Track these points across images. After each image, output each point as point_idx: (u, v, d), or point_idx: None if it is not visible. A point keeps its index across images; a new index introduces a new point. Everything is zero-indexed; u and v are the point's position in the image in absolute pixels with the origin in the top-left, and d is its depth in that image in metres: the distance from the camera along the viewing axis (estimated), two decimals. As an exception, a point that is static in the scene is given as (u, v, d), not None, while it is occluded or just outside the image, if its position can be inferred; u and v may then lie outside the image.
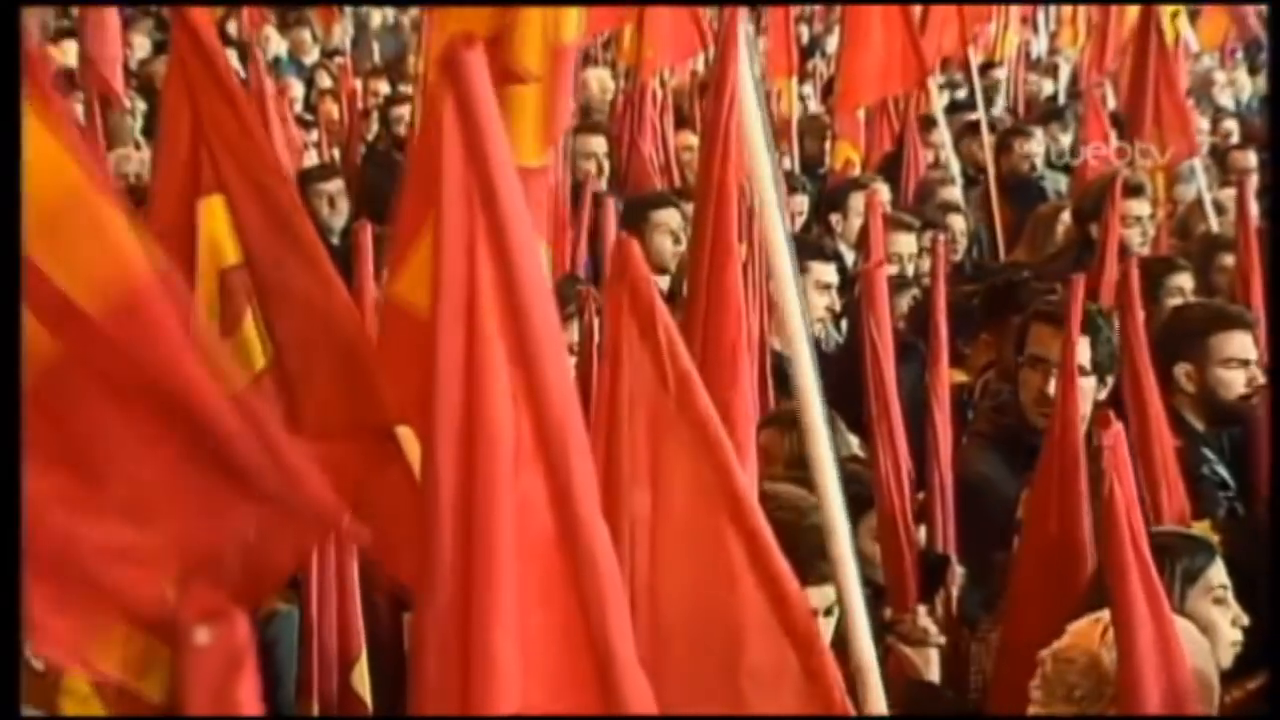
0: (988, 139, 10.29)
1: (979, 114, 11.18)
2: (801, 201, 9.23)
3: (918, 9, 11.28)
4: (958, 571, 4.93)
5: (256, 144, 3.89)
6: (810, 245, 7.51)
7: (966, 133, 11.20)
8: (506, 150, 2.30)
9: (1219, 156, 11.66)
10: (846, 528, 3.60)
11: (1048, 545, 4.11)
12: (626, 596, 2.42)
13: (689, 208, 7.75)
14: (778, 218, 3.73)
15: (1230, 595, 3.94)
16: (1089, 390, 5.22)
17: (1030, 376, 5.42)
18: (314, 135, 12.44)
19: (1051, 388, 5.14)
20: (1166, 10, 11.16)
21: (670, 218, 7.76)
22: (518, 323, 2.26)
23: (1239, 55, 17.38)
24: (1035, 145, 11.20)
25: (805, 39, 18.21)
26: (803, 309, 4.03)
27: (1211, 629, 3.75)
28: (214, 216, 3.86)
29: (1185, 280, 6.96)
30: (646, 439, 2.78)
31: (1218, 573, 3.94)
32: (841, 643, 3.57)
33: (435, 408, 2.29)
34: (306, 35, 20.35)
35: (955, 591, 4.96)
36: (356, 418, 3.87)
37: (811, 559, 3.77)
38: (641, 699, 2.35)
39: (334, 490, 3.83)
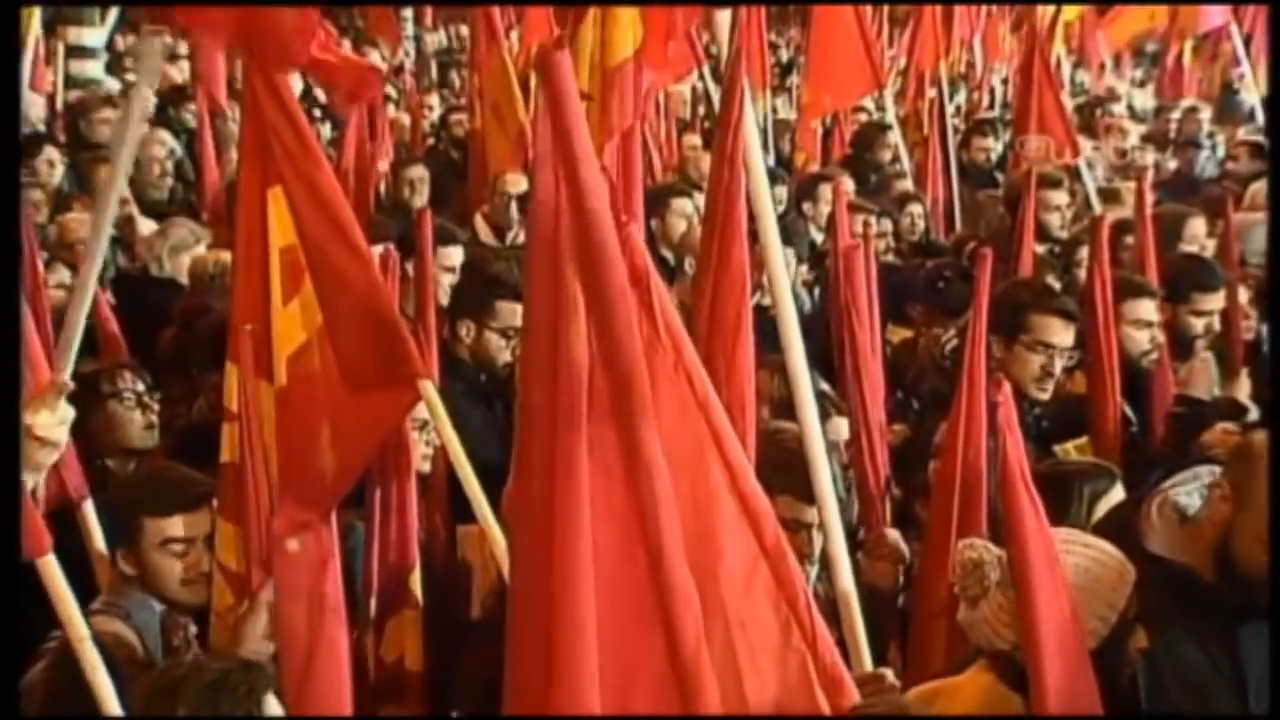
0: (951, 138, 10.22)
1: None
2: (781, 192, 9.23)
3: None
4: None
5: (307, 144, 3.89)
6: (785, 228, 7.51)
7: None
8: (587, 136, 2.35)
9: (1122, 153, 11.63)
10: (825, 459, 3.57)
11: (953, 476, 4.09)
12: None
13: (700, 199, 7.88)
14: (769, 205, 3.73)
15: None
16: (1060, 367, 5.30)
17: (1031, 358, 5.26)
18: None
19: (1055, 368, 5.23)
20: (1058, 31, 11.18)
21: (684, 205, 7.73)
22: (595, 282, 2.30)
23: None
24: (991, 142, 11.31)
25: (785, 59, 18.26)
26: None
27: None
28: (277, 205, 3.88)
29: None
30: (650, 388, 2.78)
31: (1118, 493, 3.92)
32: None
33: (526, 353, 2.35)
34: (375, 55, 20.32)
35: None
36: (386, 371, 3.89)
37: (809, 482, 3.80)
38: (687, 588, 2.39)
39: (369, 429, 3.92)
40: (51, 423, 3.24)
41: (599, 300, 2.40)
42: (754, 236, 3.78)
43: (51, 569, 3.25)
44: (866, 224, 6.55)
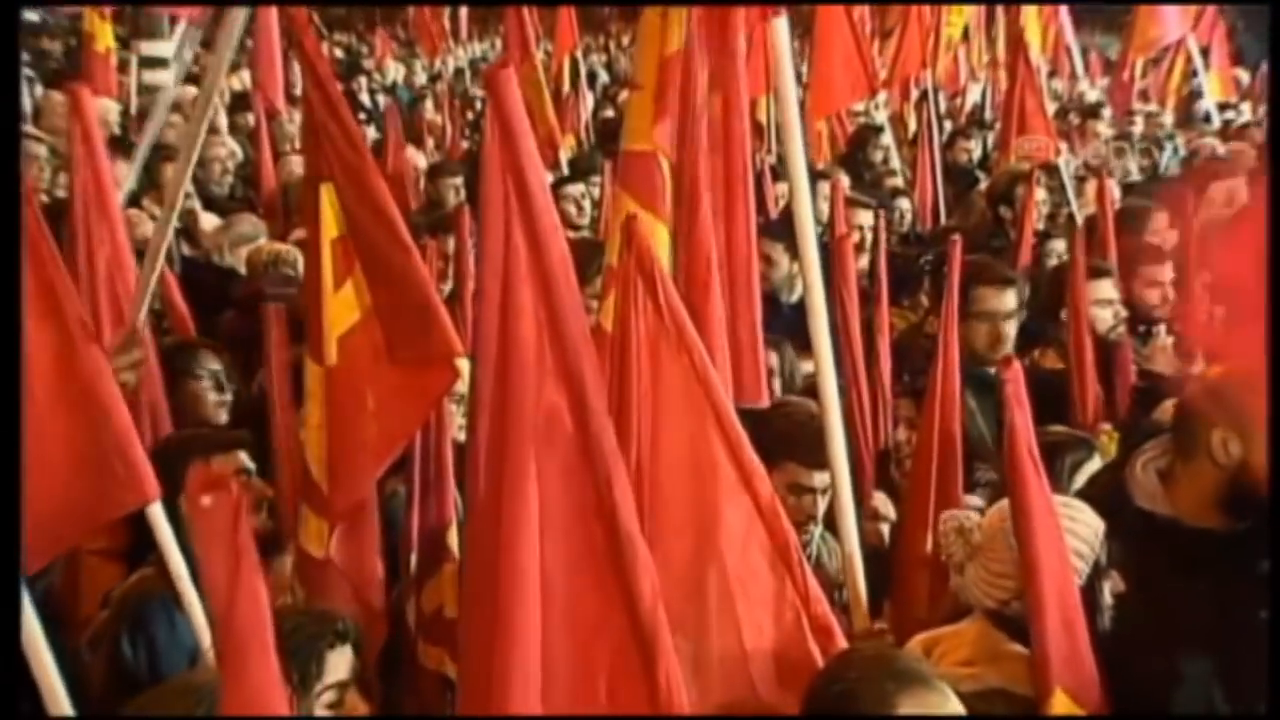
0: (937, 141, 10.21)
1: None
2: (783, 188, 9.22)
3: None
4: None
5: (355, 144, 3.87)
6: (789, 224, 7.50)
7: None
8: (534, 151, 2.30)
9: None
10: (841, 431, 3.53)
11: (930, 443, 4.07)
12: (630, 480, 2.43)
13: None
14: (807, 201, 3.68)
15: None
16: (1013, 329, 5.38)
17: (980, 326, 5.34)
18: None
19: (1001, 331, 5.33)
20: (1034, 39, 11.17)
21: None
22: (544, 279, 2.28)
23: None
24: (973, 144, 11.58)
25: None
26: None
27: None
28: (328, 198, 3.87)
29: (1059, 245, 7.18)
30: (649, 361, 2.76)
31: (1095, 463, 3.91)
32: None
33: (477, 348, 2.31)
34: (418, 65, 20.37)
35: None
36: (428, 350, 3.88)
37: (815, 450, 3.78)
38: (641, 547, 2.36)
39: (413, 403, 3.91)
40: (123, 364, 3.35)
41: (541, 269, 2.33)
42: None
43: (158, 515, 3.30)
44: (878, 215, 6.54)
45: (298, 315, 4.33)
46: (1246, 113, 15.03)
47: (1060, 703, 2.89)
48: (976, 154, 11.60)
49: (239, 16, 3.77)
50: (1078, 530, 3.13)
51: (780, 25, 3.60)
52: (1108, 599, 3.13)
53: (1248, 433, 3.42)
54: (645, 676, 2.35)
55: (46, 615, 3.22)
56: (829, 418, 3.49)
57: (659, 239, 3.68)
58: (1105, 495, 3.49)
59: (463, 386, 4.08)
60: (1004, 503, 3.25)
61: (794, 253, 6.66)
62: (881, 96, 10.83)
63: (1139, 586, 3.24)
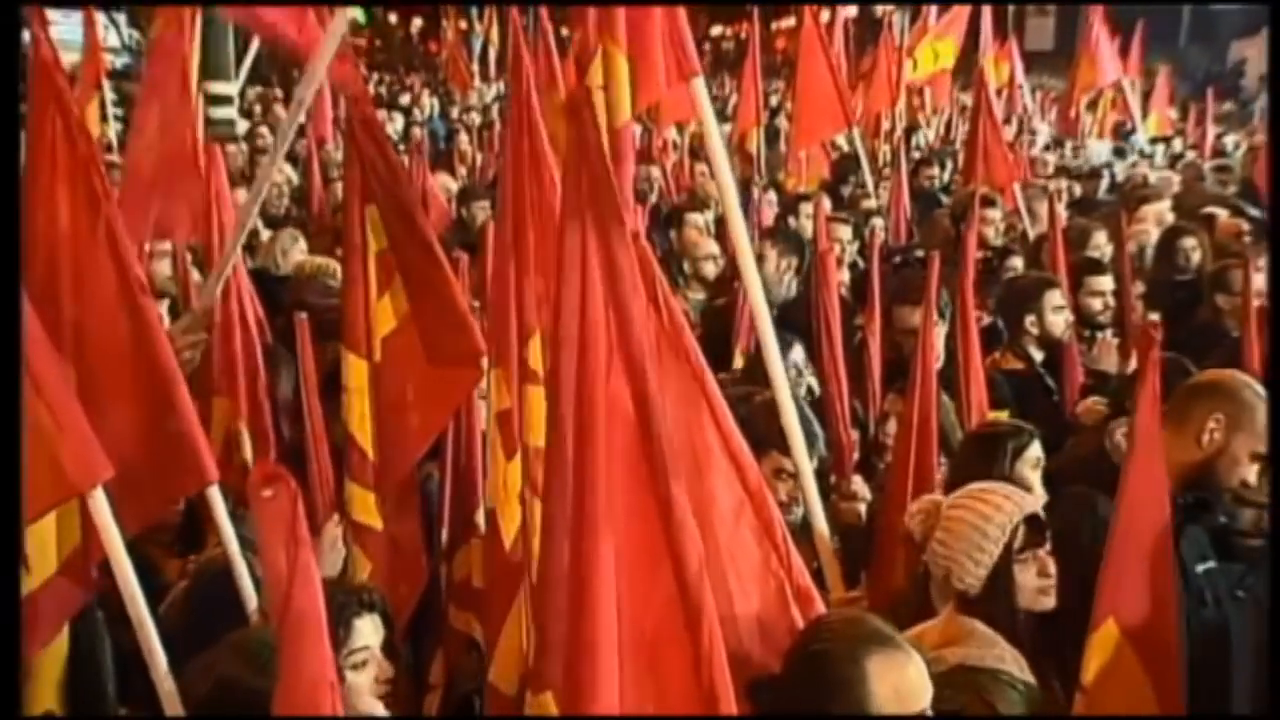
0: (904, 169, 10.22)
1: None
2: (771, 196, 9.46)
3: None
4: None
5: (395, 170, 3.88)
6: (780, 232, 7.65)
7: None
8: (609, 167, 2.32)
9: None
10: (799, 427, 3.57)
11: (909, 436, 4.05)
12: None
13: (709, 215, 7.86)
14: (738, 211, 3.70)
15: (1042, 464, 3.90)
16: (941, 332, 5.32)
17: (906, 339, 5.38)
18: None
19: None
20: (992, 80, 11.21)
21: (696, 219, 7.74)
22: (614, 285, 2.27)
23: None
24: (936, 171, 11.72)
25: (774, 104, 18.23)
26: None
27: (1032, 486, 3.71)
28: (372, 218, 3.87)
29: (1017, 261, 7.21)
30: (655, 362, 2.75)
31: (1035, 449, 3.89)
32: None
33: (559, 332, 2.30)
34: (456, 100, 20.45)
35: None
36: (456, 351, 3.88)
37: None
38: (690, 523, 2.35)
39: (445, 396, 3.92)
40: (185, 344, 3.36)
41: (612, 272, 2.34)
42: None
43: (216, 497, 3.25)
44: (874, 232, 6.56)
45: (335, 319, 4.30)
46: (1178, 145, 15.21)
47: (1108, 633, 2.78)
48: (941, 180, 11.64)
49: (319, 73, 3.76)
50: (988, 513, 3.11)
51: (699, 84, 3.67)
52: (1030, 580, 3.08)
53: (1238, 430, 3.54)
54: (690, 637, 2.32)
55: (111, 613, 3.25)
56: (784, 412, 3.52)
57: None
58: (1088, 455, 3.66)
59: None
60: (963, 490, 3.25)
61: (782, 252, 6.78)
62: (857, 130, 10.84)
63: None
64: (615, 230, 2.29)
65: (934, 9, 14.61)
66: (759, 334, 3.57)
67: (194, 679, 2.74)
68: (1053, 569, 3.10)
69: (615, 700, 2.24)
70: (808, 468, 3.55)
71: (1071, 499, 3.63)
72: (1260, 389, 3.66)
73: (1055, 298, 5.81)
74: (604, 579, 2.24)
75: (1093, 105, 15.16)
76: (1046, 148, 13.51)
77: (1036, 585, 3.09)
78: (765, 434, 3.65)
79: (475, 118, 17.79)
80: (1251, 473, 3.57)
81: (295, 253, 7.40)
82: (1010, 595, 3.04)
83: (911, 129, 14.28)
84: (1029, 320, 5.70)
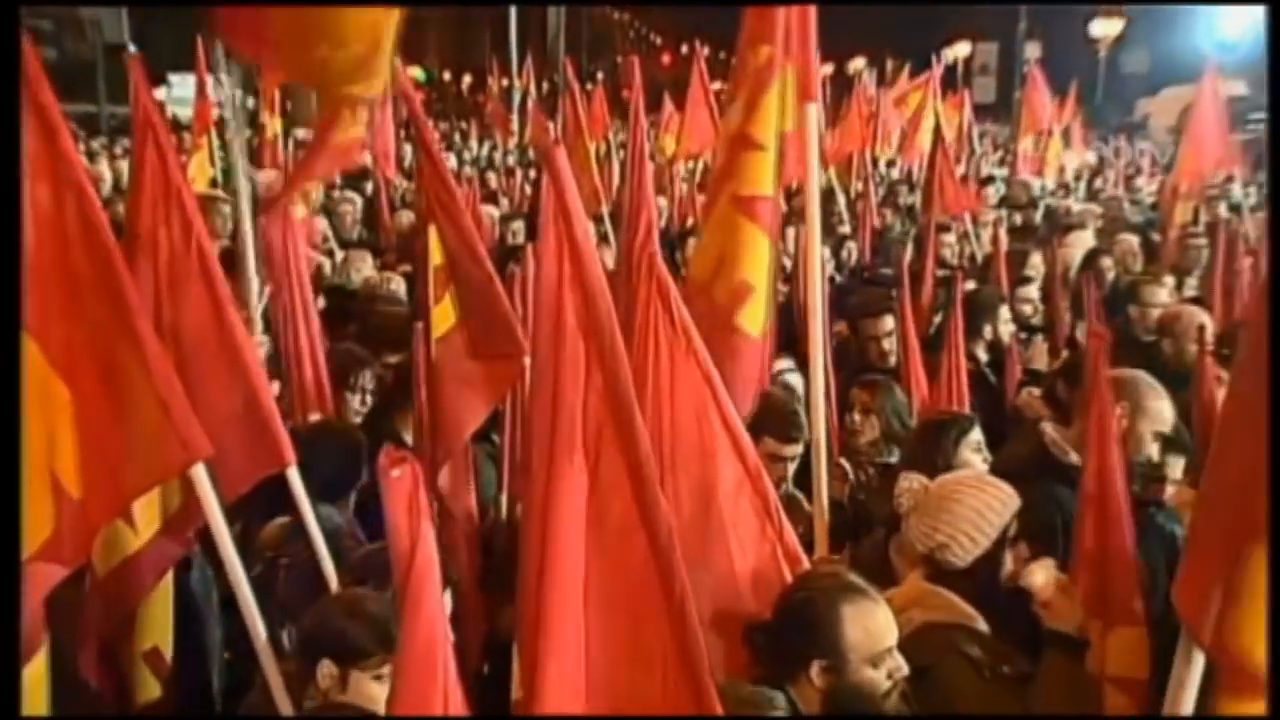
0: (873, 200, 10.17)
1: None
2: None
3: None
4: None
5: (453, 197, 3.84)
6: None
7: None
8: (585, 219, 2.15)
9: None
10: (824, 414, 3.61)
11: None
12: (654, 450, 2.31)
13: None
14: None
15: (982, 446, 3.84)
16: (893, 344, 5.36)
17: (871, 345, 5.46)
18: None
19: (883, 349, 5.39)
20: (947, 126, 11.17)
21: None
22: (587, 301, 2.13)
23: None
24: (900, 202, 11.67)
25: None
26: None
27: (973, 466, 3.67)
28: (432, 237, 3.85)
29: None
30: (668, 363, 2.72)
31: (975, 434, 3.82)
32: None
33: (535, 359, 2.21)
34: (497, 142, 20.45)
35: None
36: (500, 349, 3.86)
37: (787, 428, 3.93)
38: (661, 501, 2.18)
39: (490, 388, 3.88)
40: None
41: (586, 296, 2.14)
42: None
43: (295, 478, 3.17)
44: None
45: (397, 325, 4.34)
46: (1098, 182, 15.29)
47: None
48: (904, 209, 11.51)
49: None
50: (989, 503, 3.02)
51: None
52: (1009, 565, 2.99)
53: (1141, 415, 3.61)
54: (663, 589, 2.15)
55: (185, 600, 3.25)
56: (813, 400, 3.55)
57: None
58: (1029, 454, 3.68)
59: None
60: (956, 476, 3.22)
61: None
62: (832, 171, 10.82)
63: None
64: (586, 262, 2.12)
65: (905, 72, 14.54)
66: (810, 341, 3.64)
67: (304, 619, 2.74)
68: (1027, 552, 3.05)
69: (572, 652, 2.14)
70: (824, 453, 3.60)
71: (1040, 492, 3.44)
72: (1154, 381, 3.75)
73: (1005, 312, 5.97)
74: (566, 543, 2.09)
75: (1033, 146, 15.11)
76: (990, 180, 13.42)
77: (1013, 566, 3.05)
78: (760, 421, 3.62)
79: (513, 158, 17.77)
80: (1155, 450, 3.67)
81: (366, 270, 7.39)
82: (995, 573, 2.98)
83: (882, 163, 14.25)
84: (986, 329, 5.76)
